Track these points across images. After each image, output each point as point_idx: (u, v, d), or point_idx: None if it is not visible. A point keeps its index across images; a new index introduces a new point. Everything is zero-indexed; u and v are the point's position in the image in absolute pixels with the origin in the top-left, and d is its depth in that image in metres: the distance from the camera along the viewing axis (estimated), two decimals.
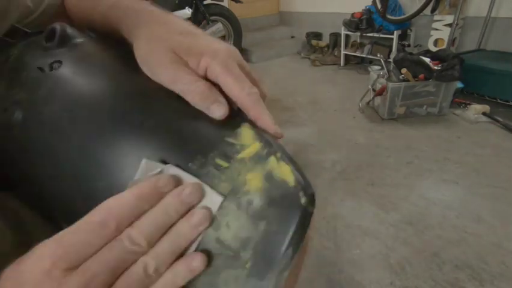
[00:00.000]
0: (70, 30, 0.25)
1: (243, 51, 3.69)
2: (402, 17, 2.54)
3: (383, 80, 1.95)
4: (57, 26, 0.25)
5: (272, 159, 0.19)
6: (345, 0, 3.27)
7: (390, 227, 1.15)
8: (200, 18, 3.07)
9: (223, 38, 3.29)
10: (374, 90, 2.04)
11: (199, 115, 0.21)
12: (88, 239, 0.15)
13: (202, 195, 0.18)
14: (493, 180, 1.34)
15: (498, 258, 0.99)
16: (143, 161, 0.18)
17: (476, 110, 1.86)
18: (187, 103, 0.21)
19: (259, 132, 0.20)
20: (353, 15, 2.96)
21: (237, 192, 0.18)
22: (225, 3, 3.36)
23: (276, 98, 2.43)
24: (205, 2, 3.06)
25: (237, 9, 3.41)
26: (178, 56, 0.22)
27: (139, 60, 0.23)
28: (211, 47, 0.22)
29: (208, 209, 0.18)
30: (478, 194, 1.28)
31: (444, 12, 2.35)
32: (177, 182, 0.18)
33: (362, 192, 1.34)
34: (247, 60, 3.69)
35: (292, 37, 4.11)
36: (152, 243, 0.16)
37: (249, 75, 0.23)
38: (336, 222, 1.19)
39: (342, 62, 3.21)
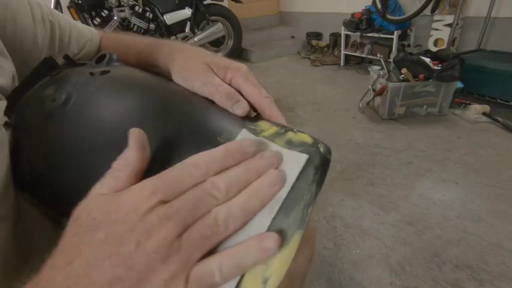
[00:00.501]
0: (115, 56, 0.30)
1: (243, 51, 3.69)
2: (402, 17, 2.54)
3: (383, 80, 1.95)
4: (106, 52, 0.30)
5: (290, 133, 0.23)
6: (345, 0, 3.27)
7: (390, 227, 1.15)
8: (200, 18, 3.07)
9: (223, 38, 3.30)
10: (374, 90, 2.04)
11: (225, 112, 0.25)
12: (182, 176, 0.18)
13: (280, 160, 0.21)
14: (493, 180, 1.34)
15: (498, 258, 0.99)
16: (243, 130, 0.23)
17: (476, 110, 1.86)
18: (214, 104, 0.26)
19: (275, 123, 0.26)
20: (353, 15, 2.96)
21: None
22: (225, 3, 3.36)
23: (276, 98, 2.43)
24: (205, 2, 3.06)
25: (237, 9, 3.42)
26: (209, 67, 0.28)
27: (174, 73, 0.29)
28: (234, 64, 0.29)
29: (283, 172, 0.20)
30: (478, 194, 1.28)
31: (445, 12, 2.35)
32: (261, 147, 0.21)
33: (362, 192, 1.34)
34: (248, 60, 3.69)
35: (292, 37, 4.11)
36: (230, 194, 0.18)
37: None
38: (336, 222, 1.19)
39: (342, 62, 3.21)
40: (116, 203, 0.17)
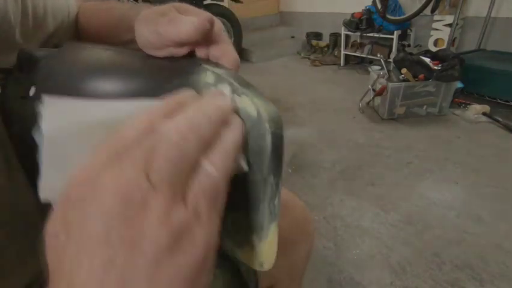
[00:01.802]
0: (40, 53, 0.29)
1: (243, 51, 3.69)
2: (402, 17, 2.54)
3: (383, 80, 1.95)
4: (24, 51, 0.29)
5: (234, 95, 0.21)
6: (345, 0, 3.27)
7: (390, 227, 1.15)
8: None
9: None
10: (374, 90, 2.04)
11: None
12: (125, 134, 0.16)
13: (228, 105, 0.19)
14: (493, 180, 1.34)
15: (498, 258, 0.99)
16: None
17: (476, 110, 1.86)
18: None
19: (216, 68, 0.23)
20: (353, 15, 2.96)
21: None
22: (225, 3, 3.36)
23: (276, 98, 2.43)
24: (205, 2, 3.06)
25: (237, 9, 3.41)
26: (172, 8, 0.27)
27: (139, 23, 0.27)
28: (191, 9, 0.27)
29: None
30: (478, 194, 1.28)
31: (445, 12, 2.35)
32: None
33: (362, 192, 1.34)
34: (248, 60, 3.69)
35: (292, 37, 4.11)
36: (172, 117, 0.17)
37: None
38: (336, 222, 1.19)
39: (342, 62, 3.21)
40: (81, 173, 0.15)
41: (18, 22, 0.32)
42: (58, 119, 0.18)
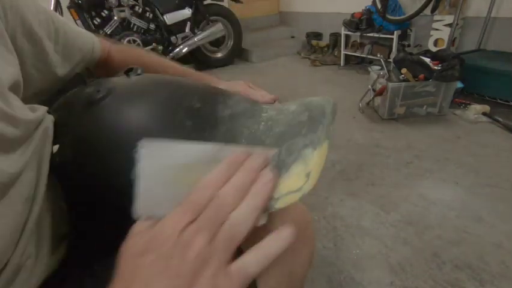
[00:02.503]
0: (140, 70, 0.37)
1: (243, 51, 3.69)
2: (402, 17, 2.54)
3: (383, 80, 1.95)
4: (133, 66, 0.37)
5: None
6: (345, 0, 3.27)
7: (390, 227, 1.15)
8: (200, 18, 3.07)
9: (223, 38, 3.30)
10: (374, 90, 2.04)
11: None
12: (198, 199, 0.22)
13: (266, 160, 0.25)
14: (493, 180, 1.34)
15: (498, 258, 0.99)
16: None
17: (476, 110, 1.85)
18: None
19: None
20: (353, 15, 2.96)
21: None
22: (225, 3, 3.36)
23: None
24: (205, 2, 3.06)
25: (237, 9, 3.41)
26: (247, 85, 0.50)
27: (222, 84, 0.48)
28: (262, 90, 0.50)
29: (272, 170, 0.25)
30: (478, 194, 1.28)
31: (445, 12, 2.35)
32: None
33: (362, 192, 1.34)
34: (248, 60, 3.69)
35: (292, 37, 4.11)
36: (238, 197, 0.23)
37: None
38: (336, 222, 1.19)
39: (342, 62, 3.21)
40: (156, 232, 0.21)
41: (52, 48, 0.38)
42: (151, 159, 0.22)
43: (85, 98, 0.30)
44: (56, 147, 0.30)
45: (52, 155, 0.30)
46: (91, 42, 0.46)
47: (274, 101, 0.44)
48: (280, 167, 0.25)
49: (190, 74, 0.52)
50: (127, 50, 0.53)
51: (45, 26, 0.37)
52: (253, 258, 0.21)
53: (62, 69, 0.40)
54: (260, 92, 0.47)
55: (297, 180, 0.24)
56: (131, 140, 0.24)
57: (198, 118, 0.27)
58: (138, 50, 0.53)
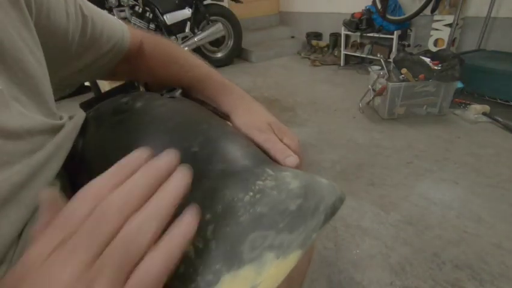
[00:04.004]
0: (179, 91, 0.39)
1: (243, 51, 3.69)
2: (402, 17, 2.54)
3: (383, 80, 1.95)
4: (177, 87, 0.40)
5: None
6: (345, 0, 3.27)
7: (390, 227, 1.15)
8: (200, 18, 3.07)
9: (223, 38, 3.30)
10: (374, 90, 2.04)
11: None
12: (72, 212, 0.17)
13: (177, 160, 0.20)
14: (493, 180, 1.34)
15: (498, 258, 0.99)
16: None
17: (476, 110, 1.85)
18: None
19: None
20: (353, 15, 2.96)
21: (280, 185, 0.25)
22: (225, 3, 3.36)
23: (276, 98, 2.43)
24: (205, 2, 3.06)
25: (237, 9, 3.41)
26: (272, 128, 0.37)
27: (241, 123, 0.38)
28: (289, 131, 0.37)
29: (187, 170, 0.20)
30: (478, 194, 1.28)
31: (445, 12, 2.35)
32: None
33: (362, 192, 1.34)
34: (247, 60, 3.69)
35: (292, 37, 4.11)
36: (125, 209, 0.17)
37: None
38: (336, 222, 1.19)
39: (342, 62, 3.21)
40: (21, 265, 0.16)
41: (76, 41, 0.36)
42: None
43: (112, 106, 0.33)
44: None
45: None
46: (120, 31, 0.42)
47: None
48: (233, 260, 0.20)
49: (213, 86, 0.44)
50: (159, 44, 0.47)
51: (73, 19, 0.35)
52: (156, 261, 0.16)
53: (82, 61, 0.38)
54: (282, 146, 0.34)
55: (240, 287, 0.19)
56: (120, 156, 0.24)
57: (188, 162, 0.23)
58: (170, 45, 0.47)
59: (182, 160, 0.21)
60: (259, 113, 0.39)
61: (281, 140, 0.35)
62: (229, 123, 0.39)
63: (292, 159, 0.32)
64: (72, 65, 0.38)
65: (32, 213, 0.26)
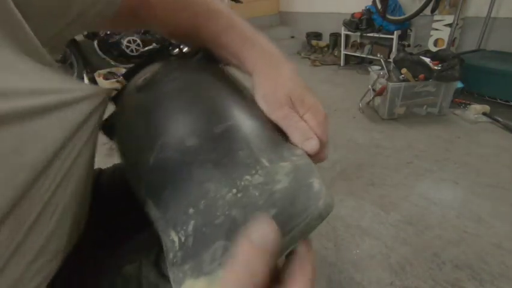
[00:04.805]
0: (208, 53, 0.35)
1: None
2: (402, 17, 2.55)
3: (383, 80, 1.95)
4: (201, 49, 0.35)
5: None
6: (345, 0, 3.27)
7: (390, 227, 1.15)
8: None
9: None
10: (374, 90, 2.04)
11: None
12: None
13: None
14: (493, 180, 1.34)
15: (498, 258, 0.99)
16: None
17: (476, 110, 1.86)
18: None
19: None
20: (353, 15, 2.96)
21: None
22: (225, 3, 3.35)
23: None
24: None
25: (237, 9, 3.41)
26: (292, 101, 0.30)
27: (260, 95, 0.31)
28: (315, 105, 0.32)
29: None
30: (478, 194, 1.28)
31: (445, 12, 2.35)
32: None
33: (362, 192, 1.34)
34: None
35: (292, 37, 4.11)
36: None
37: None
38: (336, 222, 1.19)
39: (342, 62, 3.21)
40: None
41: None
42: None
43: (135, 81, 0.32)
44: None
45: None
46: None
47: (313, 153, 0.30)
48: (196, 266, 0.20)
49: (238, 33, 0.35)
50: None
51: None
52: None
53: (69, 13, 0.32)
54: (301, 126, 0.29)
55: None
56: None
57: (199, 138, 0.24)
58: None
59: (191, 133, 0.24)
60: (282, 79, 0.31)
61: (302, 117, 0.30)
62: (246, 93, 0.33)
63: (311, 144, 0.28)
64: (59, 21, 0.32)
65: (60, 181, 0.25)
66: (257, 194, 0.22)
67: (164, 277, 0.30)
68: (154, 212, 0.24)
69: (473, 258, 1.00)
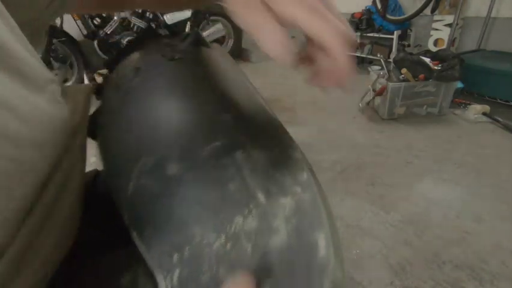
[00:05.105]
0: (200, 36, 0.31)
1: (243, 51, 3.69)
2: (402, 17, 2.55)
3: (383, 80, 1.95)
4: (193, 32, 0.32)
5: None
6: (345, 0, 3.27)
7: (390, 227, 1.15)
8: (200, 18, 3.07)
9: (223, 38, 3.30)
10: (374, 90, 2.04)
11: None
12: None
13: None
14: (493, 180, 1.34)
15: (498, 258, 0.99)
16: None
17: (476, 110, 1.86)
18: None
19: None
20: (353, 15, 2.96)
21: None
22: None
23: (276, 98, 2.43)
24: None
25: None
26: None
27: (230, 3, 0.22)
28: None
29: None
30: (478, 194, 1.28)
31: (445, 12, 2.35)
32: None
33: (362, 192, 1.34)
34: (247, 60, 3.69)
35: (293, 37, 4.10)
36: None
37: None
38: (336, 222, 1.19)
39: None
40: None
41: None
42: None
43: (118, 80, 0.28)
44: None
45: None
46: None
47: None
48: None
49: None
50: None
51: None
52: None
53: None
54: (272, 38, 0.21)
55: None
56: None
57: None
58: None
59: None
60: None
61: (280, 14, 0.21)
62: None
63: (276, 52, 0.20)
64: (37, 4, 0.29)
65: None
66: (249, 250, 0.18)
67: None
68: (139, 244, 0.21)
69: (473, 258, 1.00)
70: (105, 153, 0.27)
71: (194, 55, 0.29)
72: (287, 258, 0.18)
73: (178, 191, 0.20)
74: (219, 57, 0.31)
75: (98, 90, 0.31)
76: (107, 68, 0.32)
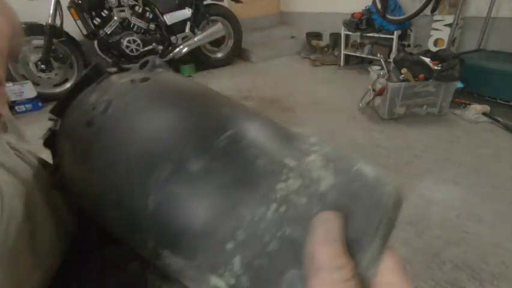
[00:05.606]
0: (158, 61, 0.30)
1: (243, 51, 3.69)
2: (402, 17, 2.55)
3: (383, 80, 1.95)
4: (150, 58, 0.30)
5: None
6: (345, 0, 3.27)
7: None
8: (200, 19, 3.07)
9: (223, 38, 3.30)
10: (374, 90, 2.04)
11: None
12: None
13: None
14: (493, 180, 1.34)
15: (498, 258, 0.99)
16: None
17: (476, 110, 1.85)
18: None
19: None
20: (353, 15, 2.96)
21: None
22: (225, 4, 3.36)
23: (276, 98, 2.43)
24: (205, 2, 3.06)
25: (237, 9, 3.41)
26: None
27: None
28: None
29: None
30: (478, 194, 1.28)
31: (445, 12, 2.35)
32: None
33: None
34: (247, 60, 3.69)
35: (292, 37, 4.11)
36: None
37: None
38: None
39: (342, 62, 3.21)
40: None
41: None
42: None
43: (82, 116, 0.26)
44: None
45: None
46: None
47: None
48: None
49: None
50: None
51: None
52: None
53: None
54: None
55: None
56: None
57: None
58: None
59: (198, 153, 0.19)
60: None
61: None
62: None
63: None
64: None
65: None
66: (305, 201, 0.18)
67: (168, 278, 0.29)
68: (174, 262, 0.19)
69: (473, 258, 1.00)
70: (90, 192, 0.25)
71: (162, 75, 0.29)
72: (343, 190, 0.18)
73: (210, 181, 0.19)
74: (180, 76, 0.31)
75: (50, 140, 0.29)
76: (55, 114, 0.30)
